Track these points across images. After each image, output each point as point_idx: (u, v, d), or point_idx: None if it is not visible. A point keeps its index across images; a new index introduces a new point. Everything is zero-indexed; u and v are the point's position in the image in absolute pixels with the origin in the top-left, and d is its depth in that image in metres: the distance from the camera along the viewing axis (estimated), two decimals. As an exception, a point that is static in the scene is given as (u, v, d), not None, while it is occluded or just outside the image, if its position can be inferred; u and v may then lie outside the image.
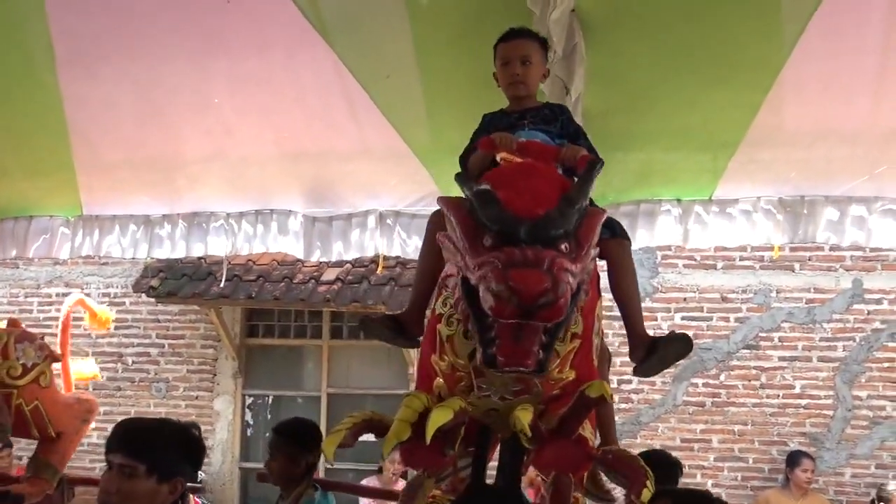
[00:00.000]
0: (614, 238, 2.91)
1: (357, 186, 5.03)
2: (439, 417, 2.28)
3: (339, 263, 9.46)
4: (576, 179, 2.54)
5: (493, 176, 2.45)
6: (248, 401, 11.07)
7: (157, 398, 10.95)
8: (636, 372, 3.04)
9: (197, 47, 4.23)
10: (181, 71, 4.38)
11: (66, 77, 4.39)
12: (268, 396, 11.09)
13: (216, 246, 5.25)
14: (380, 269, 6.79)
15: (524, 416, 2.28)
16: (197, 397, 10.94)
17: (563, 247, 2.24)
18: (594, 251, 2.43)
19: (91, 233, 5.33)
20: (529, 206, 2.27)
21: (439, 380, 2.57)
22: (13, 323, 4.93)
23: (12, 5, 4.14)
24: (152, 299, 10.46)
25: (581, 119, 3.71)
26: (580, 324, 2.53)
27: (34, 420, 4.57)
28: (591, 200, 2.68)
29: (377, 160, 4.80)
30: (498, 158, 2.73)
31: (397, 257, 5.75)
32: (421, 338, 2.89)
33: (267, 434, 10.60)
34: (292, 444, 4.30)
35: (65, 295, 10.32)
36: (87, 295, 6.47)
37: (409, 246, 5.01)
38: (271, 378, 11.02)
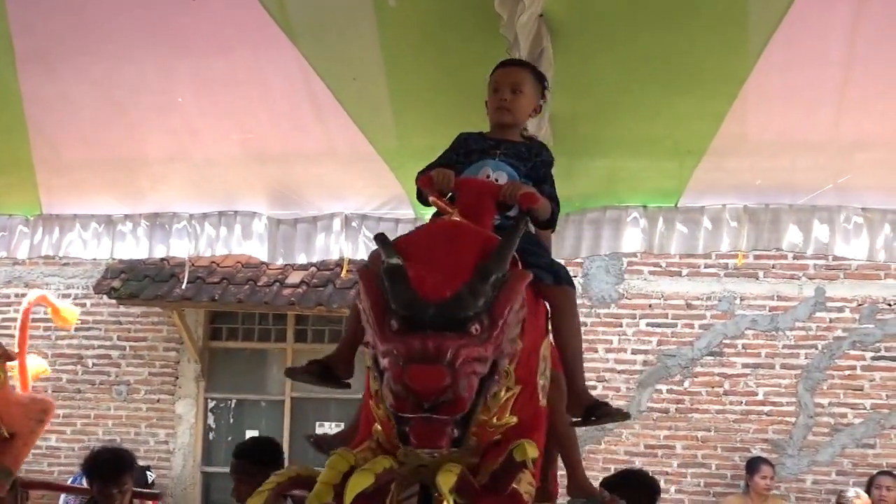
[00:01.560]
0: (558, 285, 2.72)
1: (322, 189, 4.99)
2: (358, 483, 2.16)
3: (304, 266, 9.40)
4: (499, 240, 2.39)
5: (408, 242, 2.33)
6: (211, 404, 10.96)
7: (117, 401, 10.80)
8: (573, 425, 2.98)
9: (161, 47, 4.17)
10: (145, 71, 4.32)
11: (25, 74, 4.32)
12: (231, 400, 10.99)
13: (179, 247, 5.19)
14: (344, 272, 6.75)
15: (446, 481, 2.15)
16: (158, 400, 10.81)
17: (473, 328, 2.12)
18: (520, 313, 2.28)
19: (51, 232, 5.25)
20: (438, 285, 2.14)
21: (377, 425, 2.47)
22: None
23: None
24: (114, 301, 10.33)
25: (548, 124, 3.70)
26: (512, 376, 2.38)
27: None
28: (519, 256, 2.49)
29: (343, 163, 4.77)
30: (430, 200, 2.70)
31: (363, 260, 5.71)
32: (350, 380, 2.82)
33: (230, 437, 10.52)
34: (254, 464, 4.25)
35: (24, 296, 10.19)
36: (47, 295, 6.32)
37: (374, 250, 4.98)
38: (235, 381, 10.91)
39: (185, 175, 4.97)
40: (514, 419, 2.46)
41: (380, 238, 2.32)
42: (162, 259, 8.33)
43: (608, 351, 9.88)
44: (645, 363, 9.87)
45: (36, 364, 5.36)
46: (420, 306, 2.11)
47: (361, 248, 4.98)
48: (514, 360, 2.31)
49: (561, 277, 2.73)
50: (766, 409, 9.72)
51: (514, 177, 2.80)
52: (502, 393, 2.36)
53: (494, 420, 2.39)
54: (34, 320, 5.32)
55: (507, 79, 2.98)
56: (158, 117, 4.59)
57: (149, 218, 5.18)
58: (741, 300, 9.85)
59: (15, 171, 4.94)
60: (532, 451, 2.28)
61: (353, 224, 5.00)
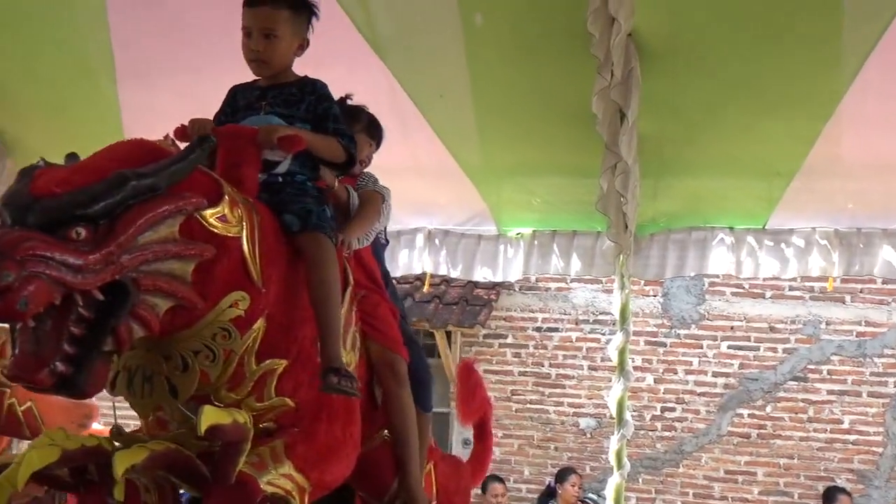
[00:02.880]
0: (305, 231, 2.32)
1: (406, 204, 5.01)
2: (36, 459, 1.85)
3: (385, 279, 9.47)
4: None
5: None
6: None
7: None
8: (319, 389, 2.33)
9: (253, 62, 4.27)
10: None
11: (125, 87, 4.46)
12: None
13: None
14: (426, 287, 6.79)
15: (121, 461, 1.83)
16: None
17: (73, 233, 1.79)
18: (174, 246, 1.94)
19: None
20: (52, 182, 1.84)
21: None
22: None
23: (75, 16, 4.22)
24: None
25: (636, 143, 3.67)
26: (237, 338, 2.07)
27: (26, 420, 4.41)
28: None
29: (427, 178, 4.80)
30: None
31: (443, 276, 5.75)
32: None
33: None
34: None
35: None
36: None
37: (456, 266, 5.01)
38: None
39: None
40: (287, 402, 2.20)
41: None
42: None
43: (688, 373, 9.71)
44: (726, 386, 9.67)
45: None
46: (20, 200, 1.83)
47: (443, 264, 5.01)
48: (176, 300, 1.95)
49: (308, 222, 2.32)
50: (851, 437, 9.44)
51: (284, 126, 2.41)
52: (250, 364, 2.09)
53: (254, 401, 2.13)
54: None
55: (256, 22, 2.46)
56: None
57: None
58: (827, 324, 9.59)
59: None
60: (212, 417, 1.91)
61: (436, 240, 5.03)
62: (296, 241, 2.30)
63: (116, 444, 1.99)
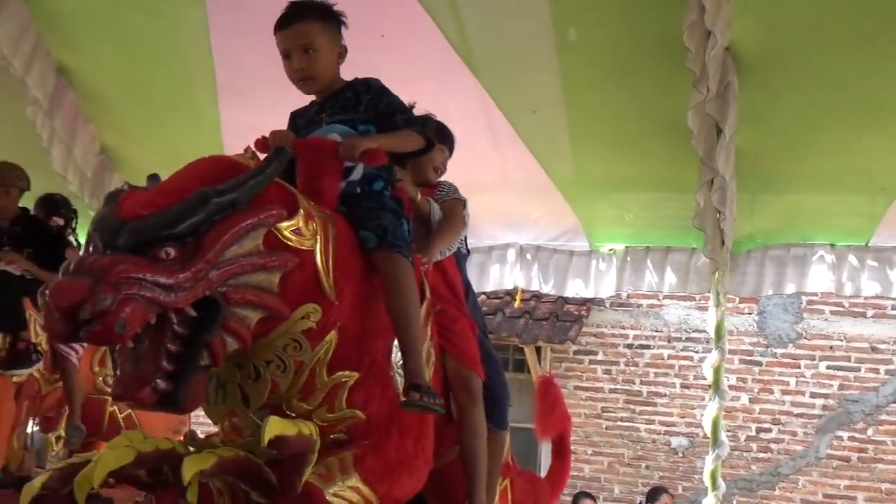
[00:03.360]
0: (381, 248, 2.28)
1: (497, 218, 5.05)
2: (112, 459, 1.89)
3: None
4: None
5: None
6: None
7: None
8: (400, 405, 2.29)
9: (348, 78, 4.34)
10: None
11: (225, 104, 4.58)
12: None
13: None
14: (517, 302, 6.78)
15: (190, 467, 1.84)
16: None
17: (163, 252, 1.82)
18: (259, 258, 1.96)
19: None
20: (137, 205, 1.87)
21: None
22: None
23: (178, 37, 4.36)
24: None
25: (733, 158, 3.61)
26: (308, 349, 2.08)
27: (127, 427, 4.59)
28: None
29: (519, 192, 4.81)
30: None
31: (534, 291, 5.73)
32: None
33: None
34: None
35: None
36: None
37: (548, 281, 4.99)
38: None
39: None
40: (360, 414, 2.19)
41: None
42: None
43: (784, 393, 9.46)
44: (825, 408, 9.39)
45: None
46: (109, 224, 1.86)
47: (535, 279, 5.00)
48: (266, 311, 1.97)
49: (385, 240, 2.29)
50: (958, 463, 9.06)
51: (350, 132, 2.40)
52: (322, 375, 2.09)
53: (325, 412, 2.14)
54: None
55: (292, 42, 2.46)
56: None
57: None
58: (933, 346, 9.25)
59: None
60: (277, 428, 1.92)
61: (528, 255, 5.02)
62: (372, 257, 2.29)
63: (190, 448, 2.03)
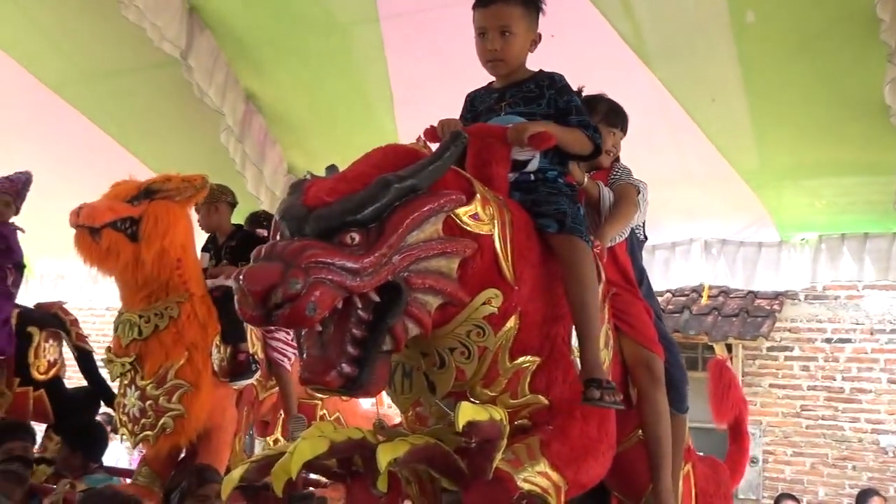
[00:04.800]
0: (562, 234, 2.25)
1: (679, 213, 4.92)
2: (307, 449, 1.92)
3: (659, 292, 9.30)
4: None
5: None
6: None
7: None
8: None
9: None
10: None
11: (402, 118, 4.71)
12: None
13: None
14: (704, 298, 6.59)
15: (385, 453, 1.85)
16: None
17: (348, 237, 1.84)
18: (438, 244, 1.95)
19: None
20: (321, 193, 1.89)
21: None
22: None
23: (355, 52, 4.52)
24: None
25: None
26: (490, 335, 2.06)
27: None
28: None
29: (700, 185, 4.68)
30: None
31: (721, 286, 5.57)
32: None
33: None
34: None
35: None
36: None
37: (736, 276, 4.83)
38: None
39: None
40: (543, 400, 2.15)
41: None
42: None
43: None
44: None
45: None
46: (296, 212, 1.89)
47: (722, 274, 4.85)
48: (445, 297, 1.96)
49: (565, 224, 2.25)
50: None
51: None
52: (504, 361, 2.07)
53: (509, 398, 2.12)
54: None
55: (493, 21, 2.38)
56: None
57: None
58: None
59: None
60: (469, 413, 1.88)
61: (713, 250, 4.88)
62: (550, 241, 2.25)
63: (380, 437, 2.04)
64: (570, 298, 2.23)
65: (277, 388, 4.46)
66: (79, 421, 4.52)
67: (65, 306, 4.72)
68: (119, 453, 6.80)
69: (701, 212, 4.86)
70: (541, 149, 2.30)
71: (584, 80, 4.13)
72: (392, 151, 2.08)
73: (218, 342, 3.92)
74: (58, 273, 7.37)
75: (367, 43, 4.40)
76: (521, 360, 2.14)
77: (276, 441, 4.71)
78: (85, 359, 4.61)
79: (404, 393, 2.17)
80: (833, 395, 9.38)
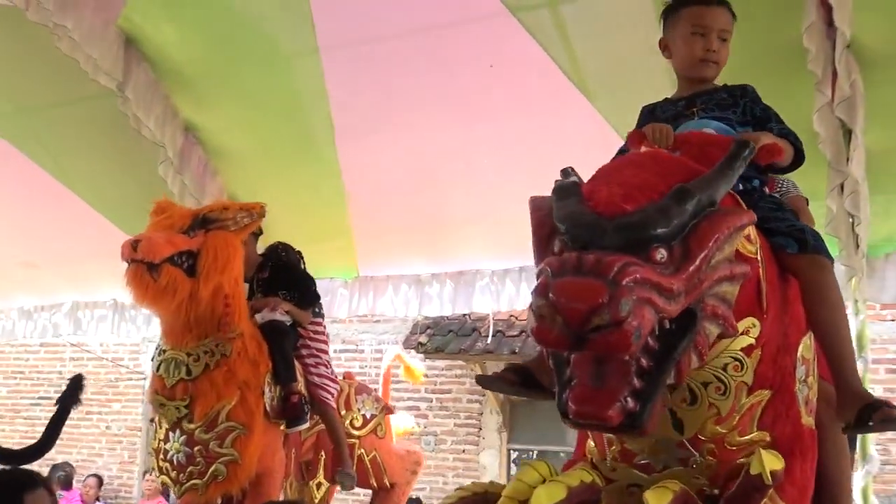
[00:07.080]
0: (805, 254, 2.10)
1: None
2: (547, 495, 1.77)
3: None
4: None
5: (599, 170, 1.87)
6: (513, 455, 11.14)
7: (426, 451, 11.25)
8: (845, 432, 2.19)
9: (462, 113, 4.40)
10: (448, 138, 4.57)
11: (343, 149, 4.71)
12: (532, 451, 11.11)
13: (481, 304, 5.38)
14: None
15: (656, 499, 1.71)
16: (464, 451, 11.14)
17: (658, 253, 1.63)
18: (734, 266, 1.77)
19: (367, 293, 5.63)
20: (616, 200, 1.68)
21: (591, 442, 2.07)
22: (348, 376, 4.86)
23: (294, 83, 4.51)
24: (421, 355, 10.85)
25: (864, 159, 3.47)
26: (749, 369, 1.88)
27: (373, 470, 4.60)
28: (768, 198, 2.09)
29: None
30: None
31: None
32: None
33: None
34: None
35: (343, 351, 10.95)
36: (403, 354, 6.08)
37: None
38: (536, 433, 11.04)
39: (486, 234, 5.16)
40: (766, 436, 1.97)
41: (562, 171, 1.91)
42: (463, 314, 8.62)
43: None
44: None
45: (407, 422, 5.59)
46: (587, 219, 1.67)
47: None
48: (724, 326, 1.77)
49: (807, 244, 2.09)
50: None
51: (728, 131, 2.23)
52: (742, 396, 1.88)
53: (736, 435, 1.92)
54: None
55: (716, 22, 2.33)
56: (463, 180, 4.81)
57: (453, 277, 5.42)
58: None
59: (336, 237, 5.37)
60: (772, 461, 1.77)
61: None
62: (788, 262, 2.09)
63: (595, 478, 1.94)
64: (819, 323, 2.10)
65: (318, 428, 4.19)
66: None
67: None
68: None
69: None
70: (769, 161, 2.17)
71: (524, 110, 4.20)
72: (661, 158, 1.93)
73: (269, 380, 3.71)
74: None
75: (307, 74, 4.40)
76: (756, 394, 1.95)
77: (318, 485, 4.44)
78: None
79: None
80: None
